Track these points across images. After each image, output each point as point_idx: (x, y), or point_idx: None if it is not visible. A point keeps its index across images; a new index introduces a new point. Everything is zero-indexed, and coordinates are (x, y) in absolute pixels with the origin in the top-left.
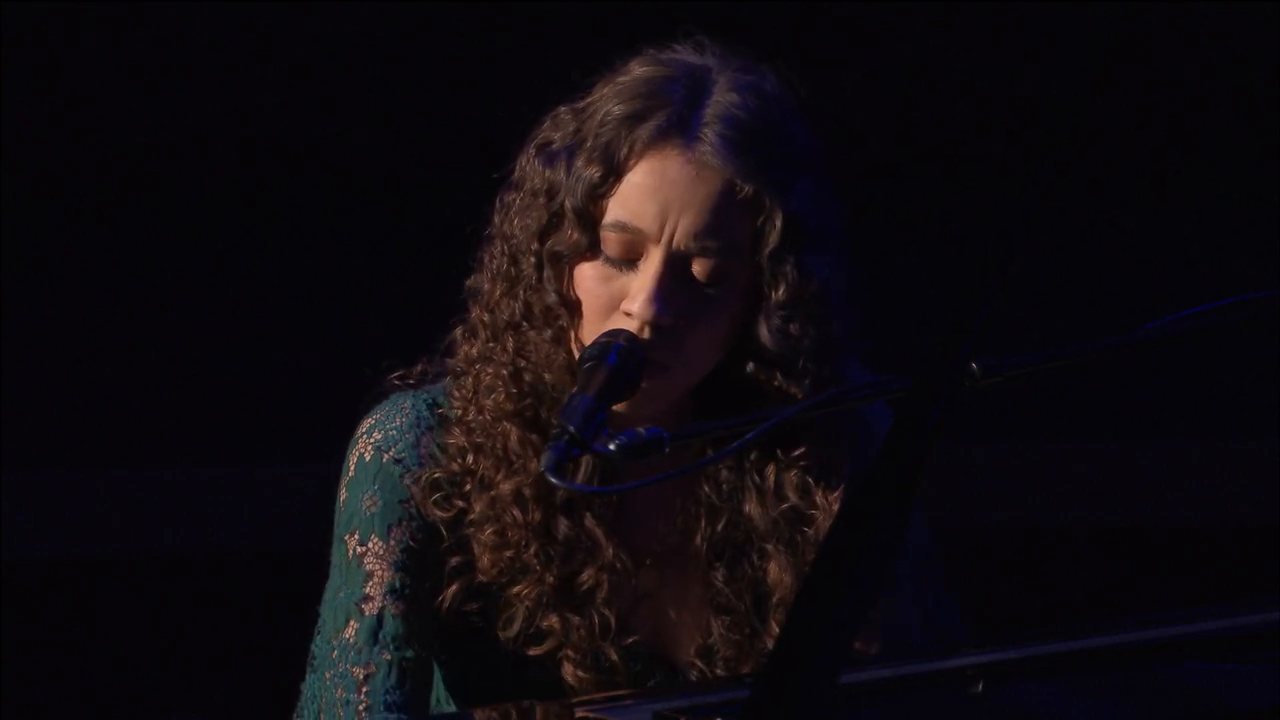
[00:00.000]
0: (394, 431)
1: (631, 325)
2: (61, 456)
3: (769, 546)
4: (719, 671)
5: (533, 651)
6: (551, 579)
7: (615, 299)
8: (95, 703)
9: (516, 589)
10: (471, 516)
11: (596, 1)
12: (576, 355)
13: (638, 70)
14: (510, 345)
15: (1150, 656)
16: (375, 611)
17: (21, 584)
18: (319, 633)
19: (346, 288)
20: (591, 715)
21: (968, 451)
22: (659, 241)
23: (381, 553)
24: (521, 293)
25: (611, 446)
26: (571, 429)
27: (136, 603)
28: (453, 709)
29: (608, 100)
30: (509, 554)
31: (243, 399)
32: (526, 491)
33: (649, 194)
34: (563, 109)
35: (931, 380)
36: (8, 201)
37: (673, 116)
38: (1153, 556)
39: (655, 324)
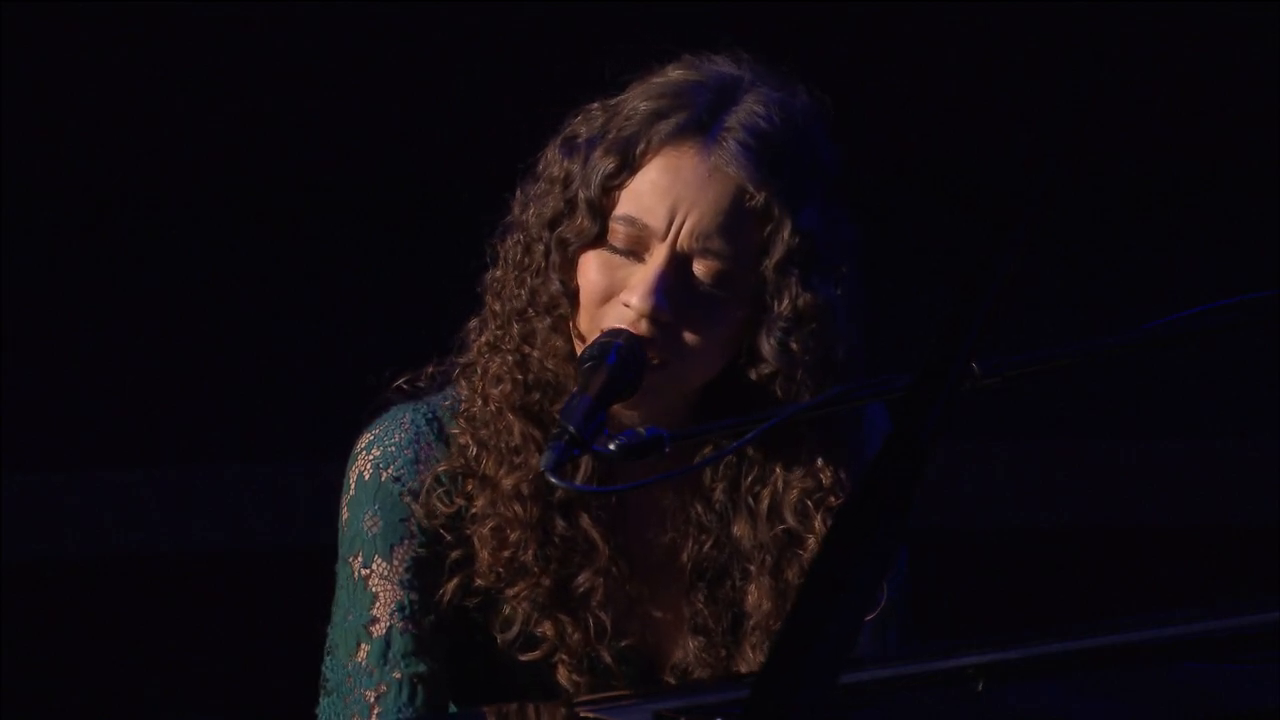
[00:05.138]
0: (392, 448)
1: (629, 317)
2: (61, 456)
3: (752, 569)
4: None
5: (527, 656)
6: (548, 581)
7: (615, 289)
8: (96, 703)
9: (513, 590)
10: (473, 512)
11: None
12: (576, 345)
13: (672, 74)
14: (516, 332)
15: (1150, 656)
16: (383, 633)
17: (21, 584)
18: (330, 654)
19: (347, 287)
20: (592, 715)
21: (969, 451)
22: (664, 239)
23: (386, 573)
24: (529, 279)
25: (611, 446)
26: (571, 429)
27: (136, 603)
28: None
29: (636, 98)
30: (506, 554)
31: (245, 399)
32: (525, 488)
33: (660, 191)
34: (595, 105)
35: (931, 381)
36: (8, 201)
37: (694, 116)
38: (1153, 556)
39: (653, 317)
